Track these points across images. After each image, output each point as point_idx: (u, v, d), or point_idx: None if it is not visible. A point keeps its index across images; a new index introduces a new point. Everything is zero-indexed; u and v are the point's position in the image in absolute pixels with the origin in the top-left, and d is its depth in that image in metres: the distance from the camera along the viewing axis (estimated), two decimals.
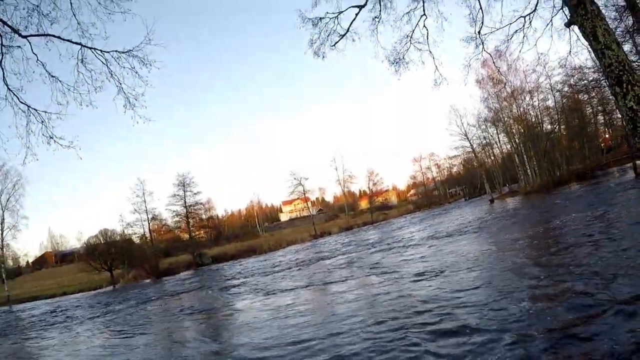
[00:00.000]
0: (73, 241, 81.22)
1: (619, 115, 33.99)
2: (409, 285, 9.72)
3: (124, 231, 46.03)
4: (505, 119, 41.37)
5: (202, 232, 50.32)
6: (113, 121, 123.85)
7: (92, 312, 18.81)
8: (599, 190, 19.85)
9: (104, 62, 7.40)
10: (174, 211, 48.12)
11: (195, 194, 48.45)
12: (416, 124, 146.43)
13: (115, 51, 7.41)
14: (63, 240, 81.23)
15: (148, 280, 35.98)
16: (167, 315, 14.04)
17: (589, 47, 11.11)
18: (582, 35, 5.26)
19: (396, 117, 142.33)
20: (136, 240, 47.13)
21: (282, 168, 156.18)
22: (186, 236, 47.62)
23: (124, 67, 7.48)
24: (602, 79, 19.99)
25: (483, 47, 10.38)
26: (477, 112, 53.52)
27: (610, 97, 32.55)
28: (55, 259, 71.24)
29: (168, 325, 11.99)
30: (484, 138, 47.44)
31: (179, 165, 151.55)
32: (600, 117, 40.51)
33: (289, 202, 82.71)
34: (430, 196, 70.33)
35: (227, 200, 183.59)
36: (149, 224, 46.95)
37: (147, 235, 47.00)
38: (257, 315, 10.46)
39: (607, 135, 44.73)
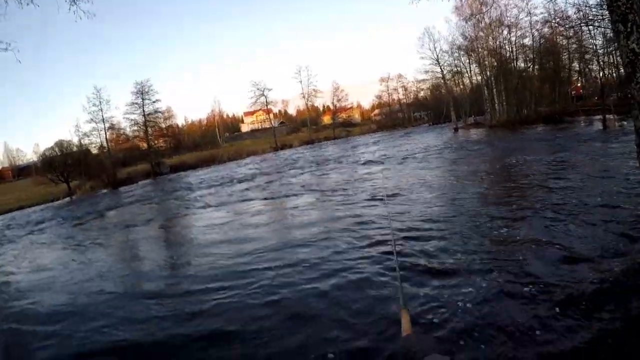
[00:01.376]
0: (30, 154, 76.67)
1: (595, 67, 33.85)
2: (365, 206, 9.60)
3: (80, 142, 44.14)
4: (480, 49, 40.25)
5: (161, 141, 49.10)
6: (69, 26, 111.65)
7: (44, 226, 17.93)
8: (564, 135, 19.74)
9: None
10: (132, 120, 46.75)
11: (154, 102, 47.01)
12: (386, 44, 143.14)
13: None
14: (20, 154, 77.79)
15: (105, 191, 35.31)
16: (118, 227, 13.75)
17: None
18: None
19: (366, 35, 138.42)
20: (94, 150, 45.40)
21: (245, 76, 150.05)
22: (145, 145, 46.45)
23: None
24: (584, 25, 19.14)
25: None
26: (451, 38, 51.34)
27: (589, 46, 32.21)
28: (12, 174, 68.24)
29: (120, 237, 11.69)
30: (456, 66, 46.17)
31: (138, 73, 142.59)
32: (575, 65, 40.22)
33: (251, 113, 79.46)
34: (394, 118, 69.13)
35: (187, 109, 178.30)
36: (105, 133, 44.87)
37: (105, 145, 45.12)
38: (212, 226, 10.39)
39: (579, 84, 44.77)
